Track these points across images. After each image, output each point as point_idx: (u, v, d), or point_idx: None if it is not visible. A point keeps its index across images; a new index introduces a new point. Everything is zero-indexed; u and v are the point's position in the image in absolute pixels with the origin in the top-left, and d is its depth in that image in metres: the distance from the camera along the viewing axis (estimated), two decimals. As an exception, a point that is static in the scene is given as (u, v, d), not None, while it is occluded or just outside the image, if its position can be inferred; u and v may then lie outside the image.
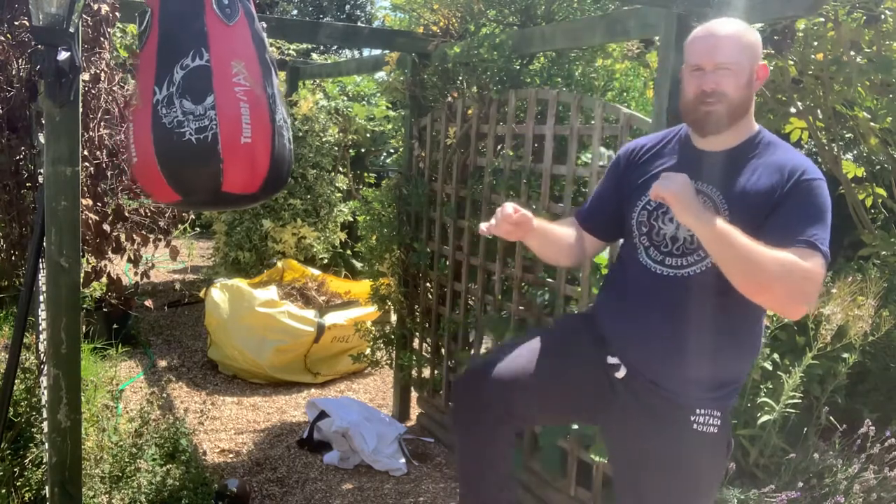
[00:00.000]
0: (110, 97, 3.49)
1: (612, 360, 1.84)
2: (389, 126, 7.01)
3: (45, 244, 2.14)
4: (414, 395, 4.05)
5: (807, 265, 1.58)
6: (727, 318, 1.74)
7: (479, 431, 1.95)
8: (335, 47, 14.78)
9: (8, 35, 3.36)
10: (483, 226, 1.84)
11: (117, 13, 3.26)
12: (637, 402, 1.80)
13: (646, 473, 1.80)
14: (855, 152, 4.49)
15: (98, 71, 3.41)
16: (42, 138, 2.15)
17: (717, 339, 1.74)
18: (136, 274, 4.17)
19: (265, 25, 2.24)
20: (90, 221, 3.47)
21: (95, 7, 3.20)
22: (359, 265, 6.26)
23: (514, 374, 1.90)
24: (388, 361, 4.03)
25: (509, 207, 1.81)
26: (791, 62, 3.55)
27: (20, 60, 3.39)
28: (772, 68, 3.69)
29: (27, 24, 3.19)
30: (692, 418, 1.74)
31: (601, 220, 2.00)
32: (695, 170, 1.74)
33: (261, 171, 2.14)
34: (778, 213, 1.66)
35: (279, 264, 5.24)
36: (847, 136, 4.26)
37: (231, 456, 3.53)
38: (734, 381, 1.81)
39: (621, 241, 1.99)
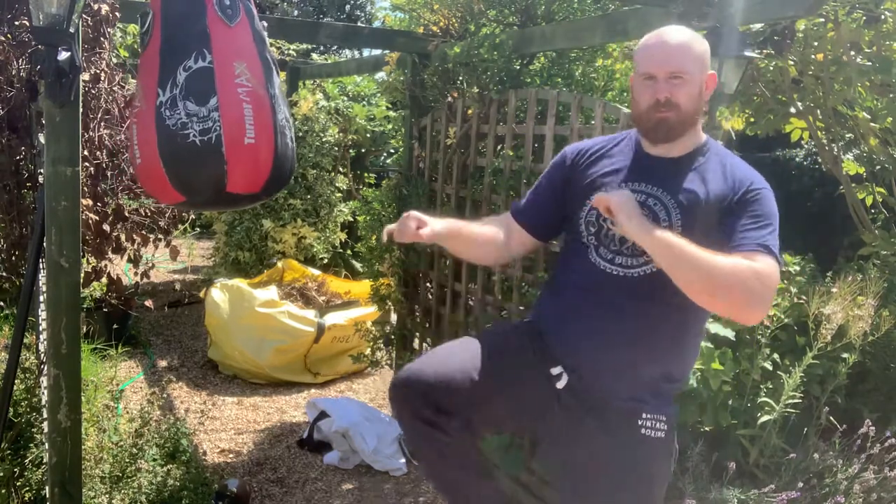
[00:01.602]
0: (110, 97, 3.49)
1: (554, 370, 1.78)
2: (389, 126, 7.01)
3: (45, 244, 2.15)
4: (414, 395, 4.04)
5: (759, 267, 1.59)
6: (675, 319, 1.74)
7: (427, 440, 1.83)
8: (335, 47, 14.78)
9: (8, 35, 3.36)
10: (388, 227, 1.90)
11: (117, 13, 3.26)
12: (581, 412, 1.75)
13: (594, 484, 1.75)
14: (855, 152, 4.49)
15: (98, 71, 3.41)
16: (42, 138, 2.16)
17: (664, 339, 1.74)
18: (136, 274, 4.18)
19: (266, 25, 2.24)
20: (90, 221, 3.47)
21: (95, 7, 3.20)
22: (359, 265, 6.27)
23: (444, 374, 1.78)
24: (389, 361, 4.03)
25: (412, 221, 1.85)
26: (791, 62, 3.55)
27: (20, 60, 3.39)
28: (772, 68, 3.69)
29: (27, 24, 3.19)
30: (639, 422, 1.72)
31: (540, 217, 1.96)
32: (646, 174, 1.76)
33: (264, 171, 2.14)
34: (727, 223, 1.67)
35: (279, 264, 5.24)
36: (847, 136, 4.26)
37: (231, 456, 3.53)
38: (677, 383, 1.81)
39: (558, 243, 1.99)
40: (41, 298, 2.52)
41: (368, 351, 4.06)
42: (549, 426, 1.84)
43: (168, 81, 2.04)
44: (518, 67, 3.37)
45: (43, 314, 2.47)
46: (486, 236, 1.97)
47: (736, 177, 1.72)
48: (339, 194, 6.10)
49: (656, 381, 1.76)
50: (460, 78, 3.44)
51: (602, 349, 1.74)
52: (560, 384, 1.77)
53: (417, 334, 3.91)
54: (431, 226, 1.84)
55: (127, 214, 3.84)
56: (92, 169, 3.52)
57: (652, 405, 1.74)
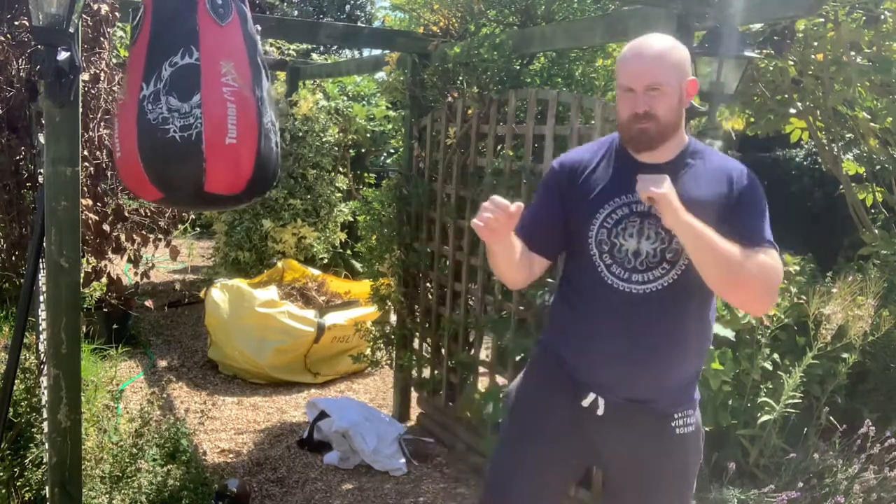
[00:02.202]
0: (110, 97, 3.49)
1: (586, 402, 1.82)
2: (389, 126, 7.01)
3: (45, 244, 2.14)
4: (414, 395, 4.05)
5: (773, 263, 1.69)
6: (691, 325, 1.80)
7: None
8: (335, 47, 14.77)
9: (8, 35, 3.36)
10: (475, 220, 1.74)
11: (117, 13, 3.26)
12: (624, 428, 1.82)
13: (646, 490, 1.85)
14: (855, 152, 4.49)
15: (98, 71, 3.41)
16: (42, 138, 2.16)
17: (687, 346, 1.80)
18: (136, 274, 4.18)
19: (260, 28, 2.23)
20: (90, 221, 3.48)
21: (95, 7, 3.21)
22: (359, 265, 6.27)
23: (515, 490, 1.91)
24: (389, 361, 4.03)
25: (500, 199, 1.72)
26: (791, 62, 3.55)
27: (20, 60, 3.40)
28: (772, 68, 3.69)
29: (27, 24, 3.19)
30: (672, 424, 1.80)
31: (547, 237, 1.92)
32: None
33: (245, 172, 2.12)
34: (734, 218, 1.73)
35: (279, 264, 5.24)
36: (847, 136, 4.26)
37: (231, 456, 3.53)
38: (697, 377, 1.89)
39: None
40: (41, 298, 2.52)
41: (368, 351, 4.06)
42: (600, 459, 1.93)
43: (153, 76, 2.02)
44: (518, 67, 3.36)
45: (43, 314, 2.47)
46: (522, 260, 1.89)
47: (730, 173, 1.78)
48: (339, 194, 6.10)
49: (682, 385, 1.82)
50: (460, 78, 3.44)
51: (629, 367, 1.78)
52: (600, 411, 1.82)
53: (417, 334, 3.90)
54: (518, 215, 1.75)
55: (127, 214, 3.84)
56: (92, 169, 3.53)
57: (680, 402, 1.82)
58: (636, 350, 1.76)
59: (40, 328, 2.66)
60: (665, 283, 1.75)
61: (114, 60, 3.70)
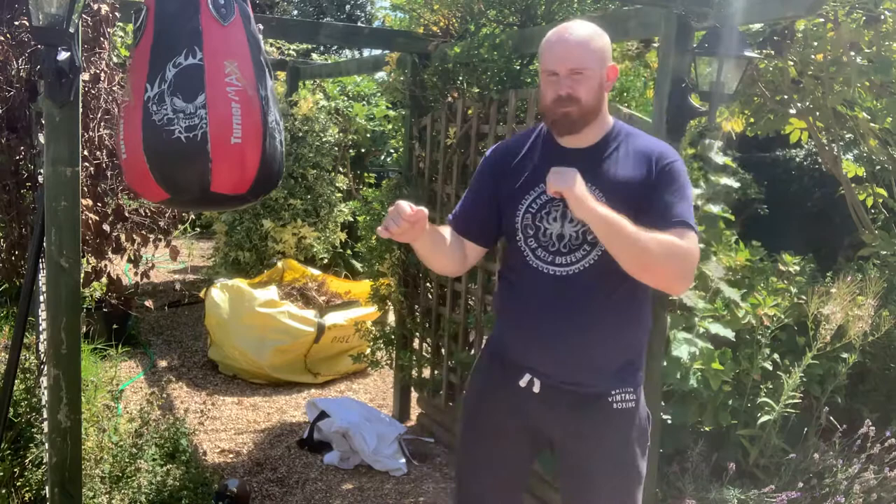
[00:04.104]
0: (110, 97, 3.49)
1: (522, 382, 1.87)
2: (389, 126, 7.01)
3: (45, 244, 2.14)
4: (414, 395, 4.05)
5: (685, 244, 1.72)
6: (621, 304, 1.84)
7: None
8: (335, 47, 14.78)
9: (8, 35, 3.36)
10: (380, 228, 1.79)
11: (117, 13, 3.26)
12: (558, 409, 1.87)
13: (590, 467, 1.88)
14: (855, 152, 4.49)
15: (98, 71, 3.41)
16: (42, 138, 2.16)
17: (616, 325, 1.84)
18: (136, 274, 4.17)
19: (262, 27, 2.23)
20: (90, 221, 3.47)
21: (95, 7, 3.20)
22: (359, 265, 6.26)
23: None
24: (389, 362, 4.03)
25: (404, 205, 1.75)
26: (791, 62, 3.55)
27: (20, 60, 3.39)
28: (771, 68, 3.69)
29: (27, 24, 3.19)
30: (609, 400, 1.84)
31: (480, 226, 1.98)
32: (564, 166, 1.81)
33: (250, 172, 2.12)
34: (651, 199, 1.77)
35: (279, 264, 5.24)
36: (847, 136, 4.26)
37: (231, 456, 3.53)
38: (637, 357, 1.91)
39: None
40: (41, 298, 2.53)
41: (368, 351, 4.06)
42: (543, 437, 1.95)
43: (157, 77, 2.03)
44: (518, 67, 3.36)
45: (43, 314, 2.47)
46: (454, 248, 1.96)
47: (652, 154, 1.82)
48: (339, 194, 6.09)
49: (616, 366, 1.85)
50: (460, 78, 3.44)
51: (556, 349, 1.83)
52: (536, 388, 1.86)
53: (417, 334, 3.90)
54: (426, 216, 1.79)
55: (127, 214, 3.83)
56: (92, 169, 3.52)
57: (618, 385, 1.85)
58: (562, 331, 1.81)
59: (40, 328, 2.66)
60: (587, 265, 1.80)
61: (114, 60, 3.70)
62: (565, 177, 1.72)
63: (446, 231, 1.98)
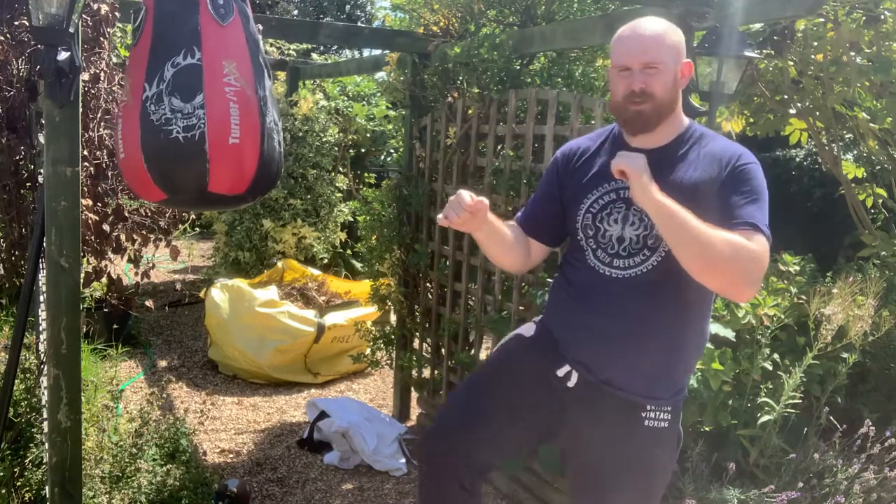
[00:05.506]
0: (110, 97, 3.49)
1: (560, 371, 1.84)
2: (389, 126, 7.01)
3: (45, 244, 2.14)
4: (414, 395, 4.05)
5: (753, 246, 1.61)
6: (675, 315, 1.78)
7: (445, 494, 1.95)
8: (335, 47, 14.78)
9: (8, 35, 3.36)
10: (440, 216, 1.80)
11: (117, 13, 3.26)
12: (591, 410, 1.82)
13: (605, 478, 1.82)
14: (855, 153, 4.49)
15: (98, 71, 3.41)
16: (42, 138, 2.16)
17: (667, 336, 1.78)
18: (136, 274, 4.17)
19: (261, 27, 2.24)
20: (90, 221, 3.47)
21: (95, 7, 3.20)
22: (359, 265, 6.26)
23: (464, 428, 1.92)
24: (389, 361, 4.03)
25: (465, 195, 1.76)
26: (791, 62, 3.55)
27: (20, 60, 3.40)
28: (772, 68, 3.69)
29: (27, 23, 3.19)
30: (643, 415, 1.78)
31: (545, 225, 1.98)
32: None
33: (248, 172, 2.12)
34: (720, 199, 1.69)
35: (279, 264, 5.24)
36: (847, 136, 4.26)
37: (231, 456, 3.53)
38: (682, 375, 1.85)
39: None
40: (41, 298, 2.52)
41: (368, 351, 4.06)
42: (561, 434, 1.91)
43: (155, 77, 2.03)
44: (518, 67, 3.36)
45: (43, 314, 2.47)
46: (516, 240, 1.96)
47: (724, 156, 1.74)
48: (339, 194, 6.10)
49: (660, 376, 1.79)
50: (460, 78, 3.44)
51: (606, 348, 1.79)
52: (570, 383, 1.82)
53: (417, 334, 3.90)
54: (486, 206, 1.79)
55: (127, 214, 3.83)
56: (92, 169, 3.52)
57: (656, 398, 1.79)
58: (612, 333, 1.78)
59: (40, 328, 2.66)
60: (644, 269, 1.76)
61: (114, 60, 3.70)
62: (632, 159, 1.67)
63: (511, 227, 1.96)
